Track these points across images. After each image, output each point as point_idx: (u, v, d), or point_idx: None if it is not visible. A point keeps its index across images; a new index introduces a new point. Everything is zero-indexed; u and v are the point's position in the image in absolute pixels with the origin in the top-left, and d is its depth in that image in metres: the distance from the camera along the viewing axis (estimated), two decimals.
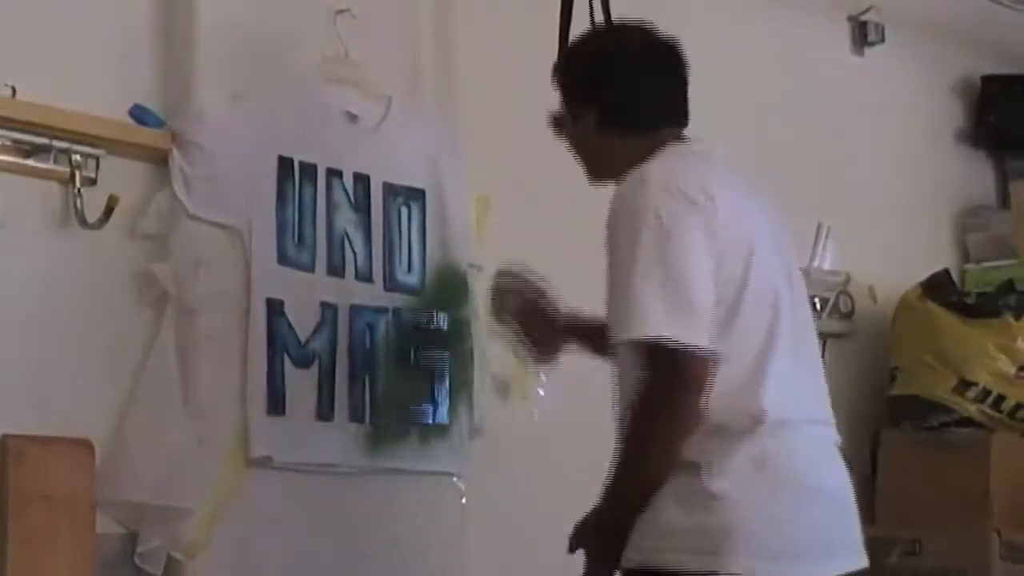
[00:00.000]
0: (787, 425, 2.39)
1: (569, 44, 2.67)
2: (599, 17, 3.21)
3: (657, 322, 2.28)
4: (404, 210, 3.18)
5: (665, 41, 2.62)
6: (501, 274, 2.88)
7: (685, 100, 2.63)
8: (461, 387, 3.23)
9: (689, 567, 2.30)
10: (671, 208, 2.34)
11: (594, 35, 2.82)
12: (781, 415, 2.37)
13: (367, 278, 3.10)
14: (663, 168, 2.42)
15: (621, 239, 2.36)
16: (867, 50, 4.41)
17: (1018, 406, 4.02)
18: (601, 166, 2.58)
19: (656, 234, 2.32)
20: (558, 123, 2.63)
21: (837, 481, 2.52)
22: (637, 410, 2.33)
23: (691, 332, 2.29)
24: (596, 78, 2.57)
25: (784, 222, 2.59)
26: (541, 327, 2.84)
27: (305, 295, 3.00)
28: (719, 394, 2.32)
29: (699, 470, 2.31)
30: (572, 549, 2.44)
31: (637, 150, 2.48)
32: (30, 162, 2.71)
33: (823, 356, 4.07)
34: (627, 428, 2.37)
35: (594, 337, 2.68)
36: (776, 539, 2.33)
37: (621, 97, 2.55)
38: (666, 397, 2.30)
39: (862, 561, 2.47)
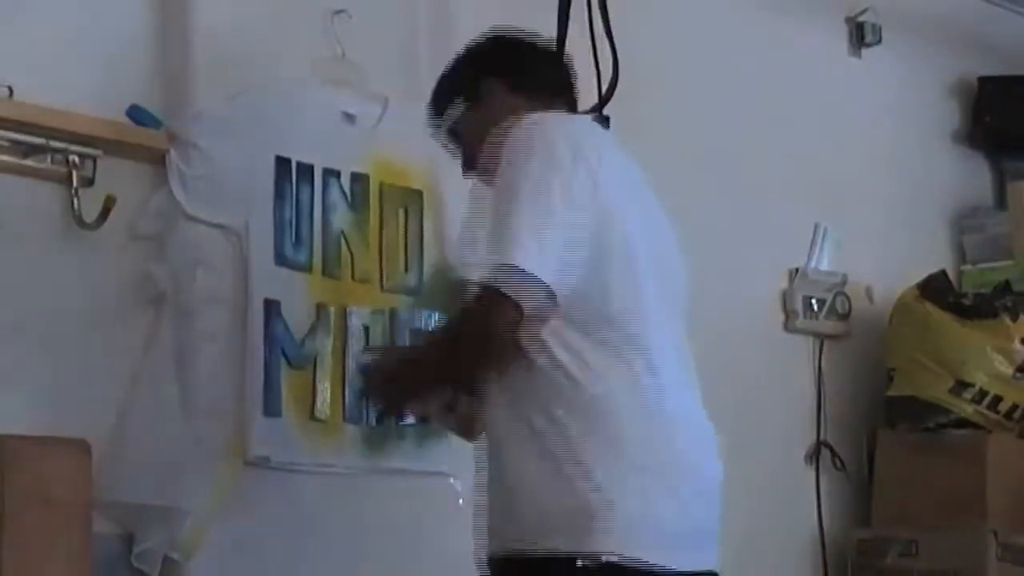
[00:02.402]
0: (667, 409, 2.35)
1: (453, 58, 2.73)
2: (596, 18, 3.21)
3: (523, 256, 2.25)
4: (401, 211, 3.19)
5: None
6: None
7: (572, 86, 2.65)
8: None
9: (561, 550, 2.26)
10: (563, 150, 2.32)
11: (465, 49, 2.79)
12: (660, 398, 2.34)
13: (364, 279, 3.10)
14: (564, 118, 2.44)
15: (511, 166, 2.34)
16: (864, 51, 4.41)
17: (1015, 407, 4.03)
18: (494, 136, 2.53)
19: (545, 167, 2.30)
20: (455, 128, 2.63)
21: (714, 475, 2.44)
22: (460, 314, 2.35)
23: (545, 268, 2.26)
24: (494, 52, 2.63)
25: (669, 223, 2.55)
26: None
27: (301, 296, 3.00)
28: (594, 374, 2.29)
29: (569, 454, 2.28)
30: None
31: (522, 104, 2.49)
32: (27, 162, 2.71)
33: (820, 357, 4.14)
34: (445, 325, 2.41)
35: None
36: (651, 524, 2.29)
37: (529, 61, 2.61)
38: (491, 316, 2.28)
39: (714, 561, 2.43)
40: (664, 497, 2.31)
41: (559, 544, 2.27)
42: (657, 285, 2.41)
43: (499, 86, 2.58)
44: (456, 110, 2.62)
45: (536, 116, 2.41)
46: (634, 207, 2.41)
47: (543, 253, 2.26)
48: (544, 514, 2.28)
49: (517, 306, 2.26)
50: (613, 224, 2.34)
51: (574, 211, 2.30)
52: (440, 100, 2.66)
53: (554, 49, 2.67)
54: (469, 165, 2.59)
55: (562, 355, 2.31)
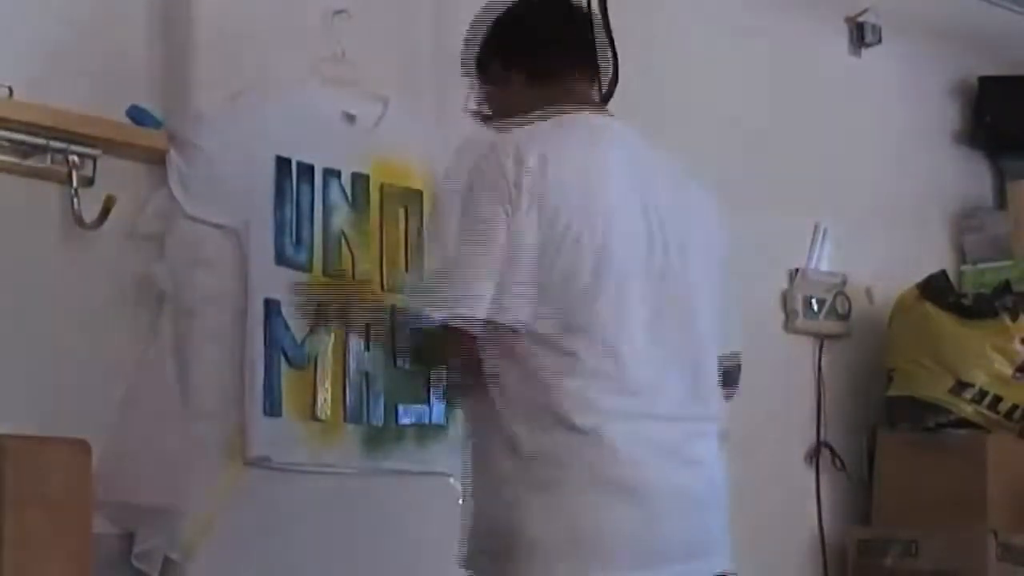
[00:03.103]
0: (614, 423, 2.30)
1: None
2: (596, 17, 3.21)
3: (439, 304, 2.27)
4: (401, 211, 3.18)
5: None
6: None
7: (591, 54, 2.58)
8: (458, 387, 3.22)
9: (486, 572, 2.30)
10: (489, 178, 2.30)
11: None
12: (610, 412, 2.30)
13: (364, 279, 3.10)
14: (512, 137, 2.37)
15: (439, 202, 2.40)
16: (864, 51, 4.41)
17: (1015, 407, 4.03)
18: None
19: (460, 204, 2.31)
20: (482, 107, 2.60)
21: (675, 481, 2.36)
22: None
23: (465, 308, 2.26)
24: (514, 36, 2.56)
25: (699, 219, 2.54)
26: None
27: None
28: (533, 386, 2.29)
29: (501, 469, 2.29)
30: None
31: (535, 100, 2.46)
32: (27, 162, 2.71)
33: (820, 357, 4.14)
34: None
35: None
36: (581, 543, 2.25)
37: (522, 38, 2.55)
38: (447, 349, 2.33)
39: (717, 565, 2.40)
40: (597, 512, 2.27)
41: (484, 566, 2.31)
42: (644, 283, 2.37)
43: (498, 64, 2.55)
44: (476, 85, 2.60)
45: (489, 145, 2.36)
46: (598, 215, 2.35)
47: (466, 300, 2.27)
48: (477, 533, 2.35)
49: (468, 336, 2.28)
50: (575, 239, 2.31)
51: (522, 248, 2.28)
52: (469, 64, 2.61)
53: (570, 23, 2.59)
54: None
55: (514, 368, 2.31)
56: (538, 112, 2.42)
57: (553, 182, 2.30)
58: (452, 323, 2.28)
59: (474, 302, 2.26)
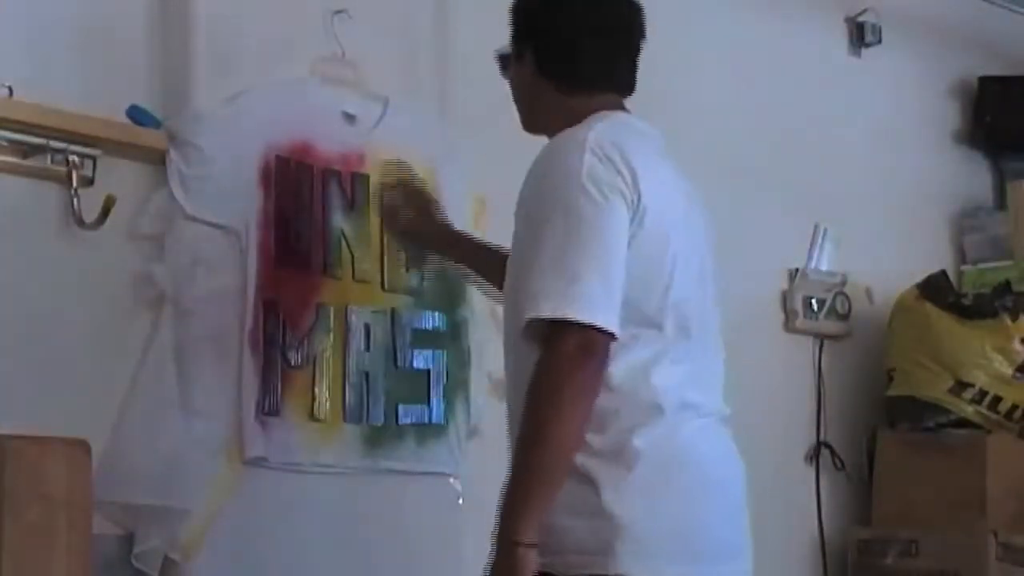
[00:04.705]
0: (687, 418, 2.32)
1: None
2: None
3: (591, 308, 2.19)
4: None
5: (627, 2, 2.52)
6: (390, 184, 2.95)
7: (632, 67, 2.52)
8: (458, 387, 3.23)
9: (576, 571, 2.22)
10: (597, 182, 2.24)
11: None
12: (680, 407, 2.31)
13: (364, 279, 3.10)
14: (595, 137, 2.30)
15: (540, 208, 2.27)
16: (864, 51, 4.41)
17: (1014, 407, 4.03)
18: (535, 116, 2.51)
19: (578, 208, 2.23)
20: (503, 62, 2.58)
21: (735, 478, 2.42)
22: (536, 391, 2.20)
23: (600, 313, 2.20)
24: (537, 18, 2.50)
25: (707, 215, 2.51)
26: (426, 234, 2.89)
27: (301, 295, 3.00)
28: (615, 382, 2.26)
29: (586, 468, 2.23)
30: None
31: (570, 109, 2.41)
32: (27, 162, 2.71)
33: (820, 357, 4.14)
34: (525, 413, 2.21)
35: (481, 258, 2.64)
36: (671, 538, 2.25)
37: (559, 46, 2.46)
38: (569, 374, 2.18)
39: (748, 564, 2.40)
40: (684, 507, 2.28)
41: (574, 562, 2.23)
42: (695, 283, 2.39)
43: (530, 60, 2.49)
44: (504, 48, 2.57)
45: (566, 141, 2.32)
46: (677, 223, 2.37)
47: (601, 302, 2.20)
48: (557, 531, 2.23)
49: (598, 330, 2.20)
50: (662, 243, 2.32)
51: (617, 247, 2.24)
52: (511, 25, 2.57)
53: (615, 27, 2.49)
54: (523, 121, 2.55)
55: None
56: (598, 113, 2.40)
57: (643, 183, 2.28)
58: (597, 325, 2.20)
59: (603, 304, 2.21)
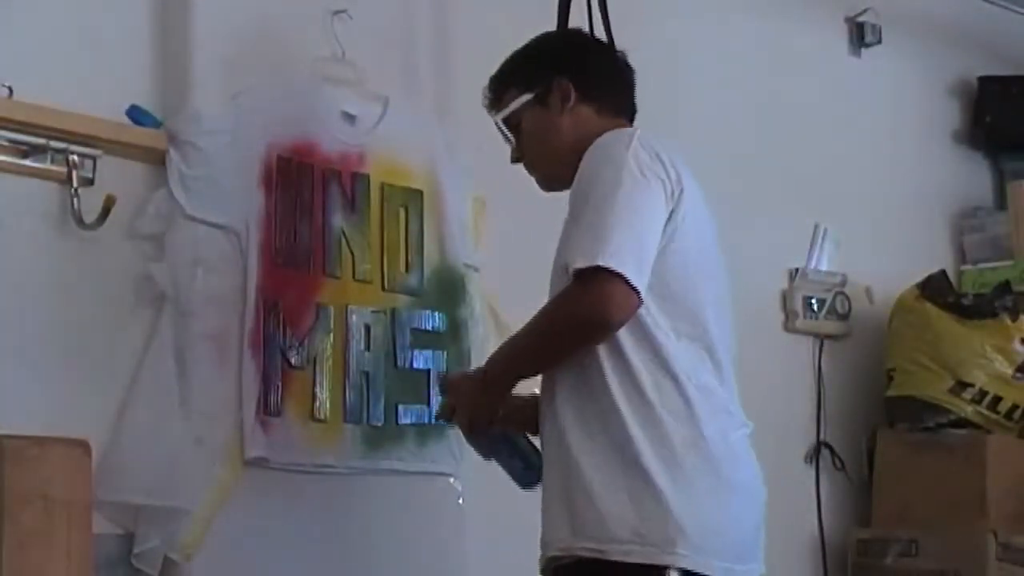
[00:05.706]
0: (734, 425, 2.46)
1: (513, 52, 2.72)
2: (596, 19, 3.21)
3: (620, 258, 2.29)
4: (402, 211, 3.18)
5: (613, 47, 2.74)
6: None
7: (634, 101, 2.68)
8: None
9: (633, 559, 2.30)
10: (640, 164, 2.37)
11: (541, 35, 2.79)
12: (726, 412, 2.45)
13: (364, 279, 3.10)
14: (642, 135, 2.44)
15: (585, 187, 2.39)
16: (864, 51, 4.42)
17: (1014, 407, 4.03)
18: (559, 156, 2.55)
19: (635, 180, 2.35)
20: (511, 120, 2.63)
21: (762, 484, 2.51)
22: (556, 301, 2.37)
23: (630, 268, 2.29)
24: (563, 52, 2.65)
25: (715, 224, 2.59)
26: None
27: (302, 296, 3.00)
28: (673, 372, 2.37)
29: (639, 457, 2.33)
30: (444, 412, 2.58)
31: (604, 131, 2.49)
32: (27, 162, 2.71)
33: (820, 357, 4.14)
34: (542, 309, 2.39)
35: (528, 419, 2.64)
36: (717, 534, 2.35)
37: (599, 68, 2.62)
38: (590, 306, 2.31)
39: (760, 567, 2.49)
40: (729, 506, 2.38)
41: (632, 551, 2.31)
42: (715, 286, 2.51)
43: (571, 91, 2.58)
44: (518, 101, 2.62)
45: (617, 133, 2.45)
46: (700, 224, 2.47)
47: (639, 264, 2.31)
48: (616, 520, 2.33)
49: (633, 288, 2.30)
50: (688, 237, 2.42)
51: (651, 220, 2.36)
52: (503, 85, 2.66)
53: (621, 63, 2.68)
54: (545, 184, 2.64)
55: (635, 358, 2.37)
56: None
57: (686, 182, 2.42)
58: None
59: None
